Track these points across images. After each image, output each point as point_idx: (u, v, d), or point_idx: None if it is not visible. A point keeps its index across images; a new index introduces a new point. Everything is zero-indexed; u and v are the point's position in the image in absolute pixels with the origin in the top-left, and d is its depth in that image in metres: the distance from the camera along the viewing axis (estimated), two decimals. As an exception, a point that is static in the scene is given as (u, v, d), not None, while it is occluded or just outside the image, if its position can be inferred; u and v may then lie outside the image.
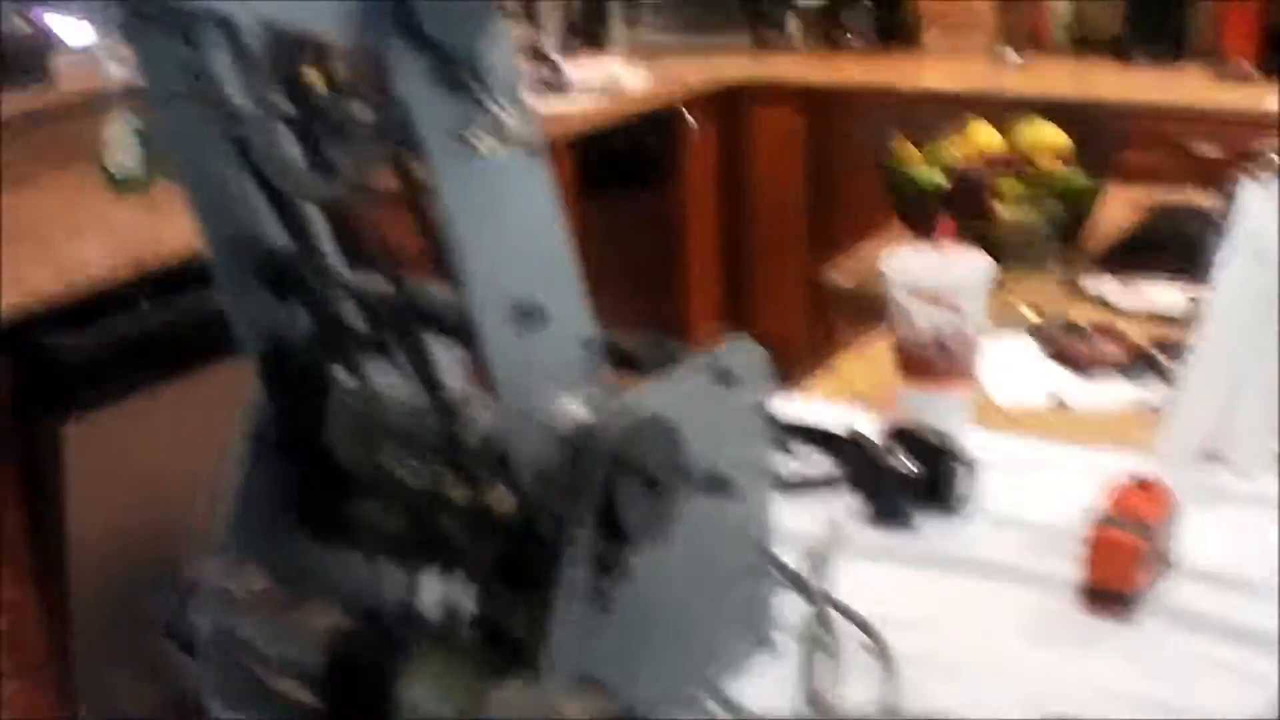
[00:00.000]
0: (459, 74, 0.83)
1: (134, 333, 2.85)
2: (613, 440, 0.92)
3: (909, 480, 1.46)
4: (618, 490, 0.92)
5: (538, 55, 4.13)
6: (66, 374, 2.76)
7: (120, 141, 3.33)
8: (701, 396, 1.00)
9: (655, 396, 0.97)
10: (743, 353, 1.04)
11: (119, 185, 3.34)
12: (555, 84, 4.04)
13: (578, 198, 3.40)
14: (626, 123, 4.12)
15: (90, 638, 2.83)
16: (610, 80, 4.20)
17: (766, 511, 1.11)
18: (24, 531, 2.77)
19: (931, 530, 1.44)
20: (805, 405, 1.67)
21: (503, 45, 0.86)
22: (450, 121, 0.84)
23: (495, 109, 0.85)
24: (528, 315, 0.90)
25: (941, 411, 1.58)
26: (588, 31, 4.68)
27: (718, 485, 0.99)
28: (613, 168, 3.91)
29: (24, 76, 3.44)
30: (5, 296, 2.67)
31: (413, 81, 0.82)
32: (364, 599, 1.04)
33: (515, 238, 0.90)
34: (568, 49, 4.45)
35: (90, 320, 2.80)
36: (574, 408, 0.94)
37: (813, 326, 3.04)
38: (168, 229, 2.91)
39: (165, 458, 2.87)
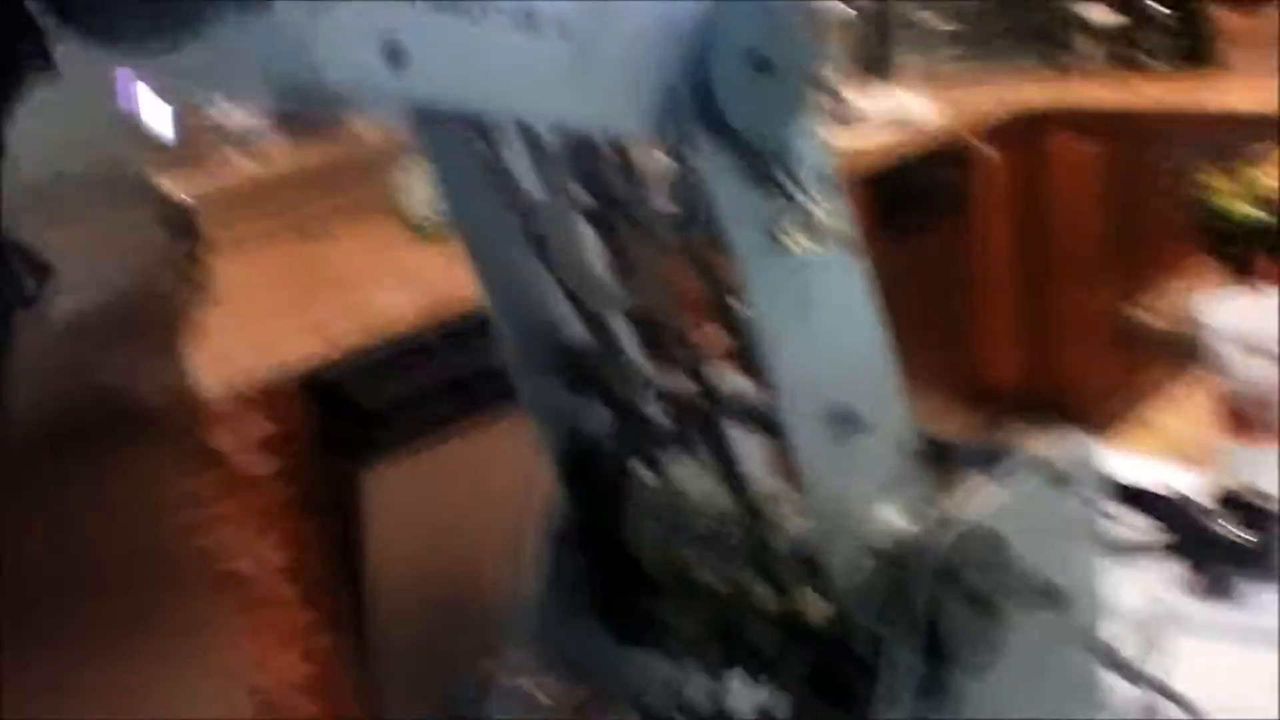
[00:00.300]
0: (767, 167, 0.77)
1: (435, 379, 2.88)
2: (936, 555, 0.85)
3: (1236, 548, 1.35)
4: (941, 609, 0.85)
5: (822, 87, 4.05)
6: (369, 420, 2.82)
7: (419, 190, 3.39)
8: (1031, 501, 0.92)
9: (981, 504, 0.90)
10: (1073, 449, 0.96)
11: (419, 233, 3.40)
12: (841, 116, 3.97)
13: (865, 236, 3.32)
14: (917, 155, 4.02)
15: (393, 679, 2.88)
16: (899, 111, 4.11)
17: (1098, 613, 1.03)
18: (328, 576, 2.83)
19: (1260, 603, 1.33)
20: (1117, 460, 1.56)
21: (813, 134, 0.80)
22: (758, 217, 0.79)
23: (807, 203, 0.79)
24: (843, 422, 0.84)
25: (1270, 471, 1.47)
26: (874, 60, 4.59)
27: (1051, 597, 0.91)
28: (903, 203, 3.82)
29: (323, 126, 3.54)
30: (310, 345, 2.74)
31: (718, 176, 0.77)
32: (667, 702, 0.99)
33: (830, 340, 0.84)
34: (853, 79, 4.37)
35: (392, 367, 2.85)
36: (892, 517, 0.88)
37: (1119, 371, 2.90)
38: (467, 276, 2.94)
39: (464, 503, 2.90)
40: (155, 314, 2.27)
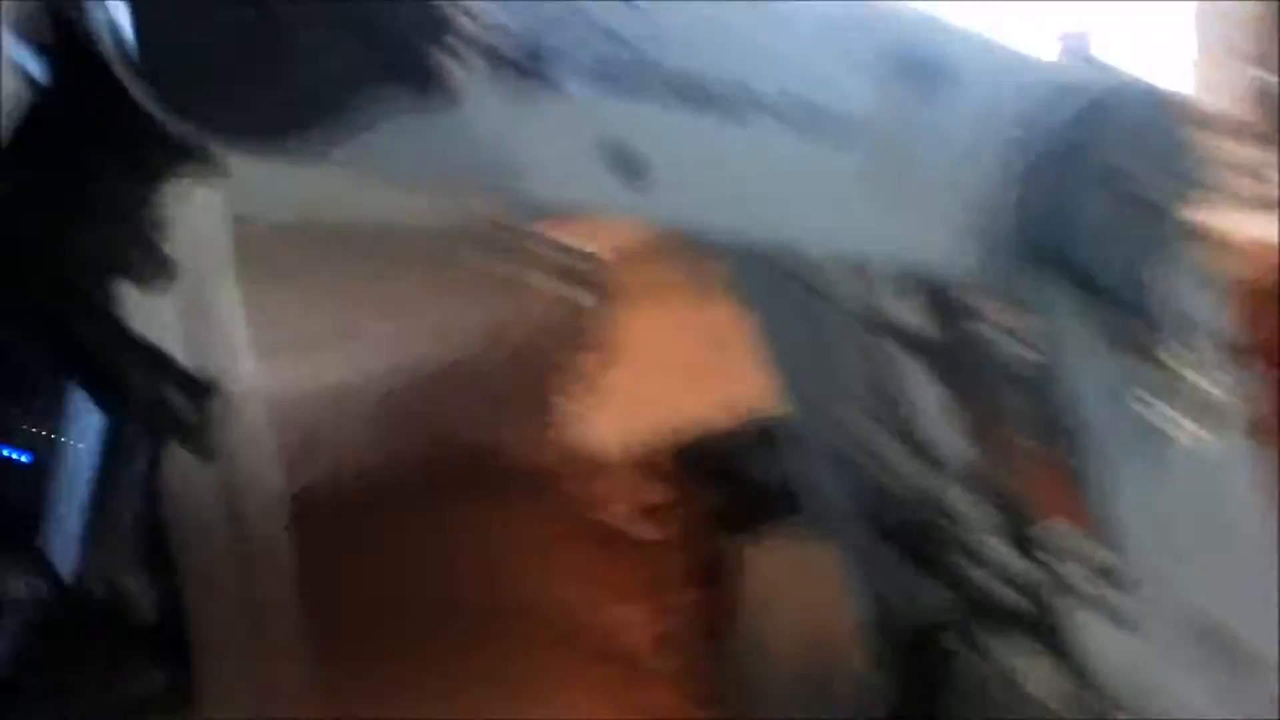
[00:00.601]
0: (1130, 322, 0.59)
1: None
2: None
3: None
4: None
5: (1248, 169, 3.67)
6: (757, 493, 2.70)
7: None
8: None
9: None
10: None
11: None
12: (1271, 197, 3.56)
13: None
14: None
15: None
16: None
17: None
18: (704, 647, 2.73)
19: None
20: None
21: (1200, 281, 0.62)
22: (1116, 383, 0.62)
23: (1184, 370, 0.60)
24: (1219, 647, 0.66)
25: None
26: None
27: None
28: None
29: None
30: (706, 408, 2.64)
31: (1064, 328, 0.60)
32: None
33: (1206, 546, 0.65)
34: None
35: (785, 439, 2.72)
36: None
37: None
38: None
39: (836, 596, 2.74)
40: (537, 367, 2.21)
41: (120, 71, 0.45)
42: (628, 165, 0.49)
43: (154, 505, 0.55)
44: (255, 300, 1.47)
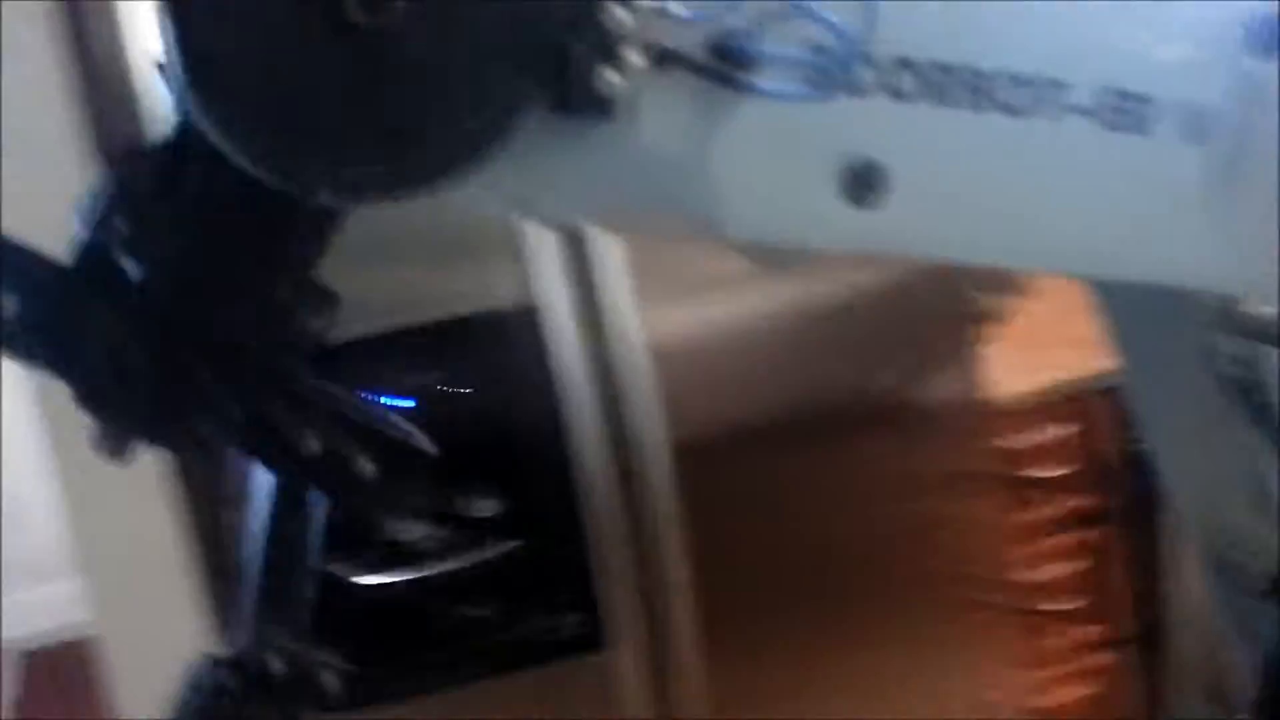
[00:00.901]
0: None
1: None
2: None
3: None
4: None
5: None
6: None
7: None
8: None
9: None
10: None
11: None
12: None
13: None
14: None
15: (1185, 708, 2.60)
16: None
17: None
18: (1119, 593, 2.59)
19: None
20: None
21: None
22: None
23: None
24: None
25: None
26: None
27: None
28: None
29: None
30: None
31: None
32: None
33: None
34: None
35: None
36: None
37: None
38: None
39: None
40: (942, 307, 2.09)
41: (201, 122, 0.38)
42: (863, 184, 0.38)
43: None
44: (638, 249, 1.44)
